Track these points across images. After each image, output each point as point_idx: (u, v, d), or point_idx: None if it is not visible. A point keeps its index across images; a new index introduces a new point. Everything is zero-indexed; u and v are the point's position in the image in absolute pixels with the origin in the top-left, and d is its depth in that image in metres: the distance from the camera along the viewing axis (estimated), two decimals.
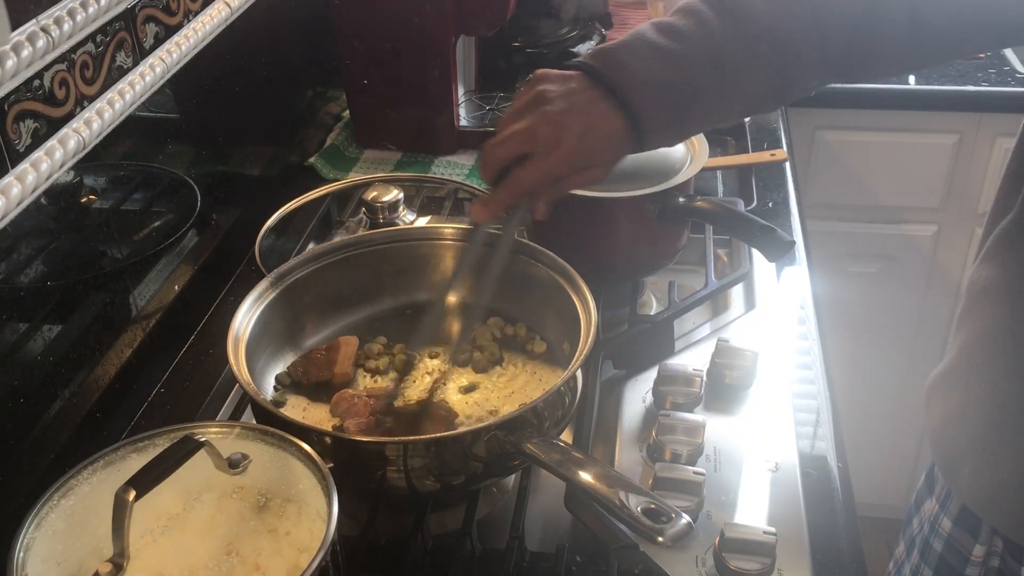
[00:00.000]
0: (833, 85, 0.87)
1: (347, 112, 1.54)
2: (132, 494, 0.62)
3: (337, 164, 1.46)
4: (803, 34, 0.80)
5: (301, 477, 0.72)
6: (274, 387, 0.95)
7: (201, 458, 0.68)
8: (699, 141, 1.09)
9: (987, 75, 1.76)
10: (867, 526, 1.14)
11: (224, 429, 0.76)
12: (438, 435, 0.80)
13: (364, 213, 1.18)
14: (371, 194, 1.17)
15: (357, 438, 0.82)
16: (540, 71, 0.83)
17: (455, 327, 1.03)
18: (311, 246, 1.25)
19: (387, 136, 1.48)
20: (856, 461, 0.95)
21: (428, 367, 0.98)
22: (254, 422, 0.86)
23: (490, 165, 0.82)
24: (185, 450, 0.66)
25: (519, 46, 1.64)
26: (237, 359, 0.86)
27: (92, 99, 0.91)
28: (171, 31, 1.05)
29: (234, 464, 0.70)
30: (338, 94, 1.58)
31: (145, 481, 0.64)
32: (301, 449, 0.73)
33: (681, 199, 1.03)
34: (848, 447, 0.97)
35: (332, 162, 1.46)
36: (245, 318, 0.91)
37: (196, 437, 0.68)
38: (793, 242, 0.98)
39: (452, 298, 1.02)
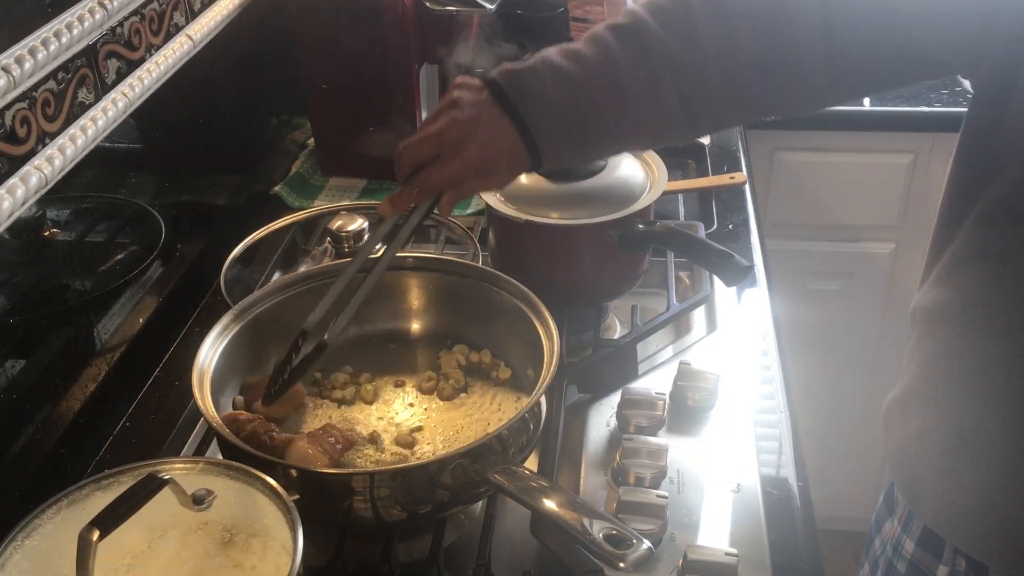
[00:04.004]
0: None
1: (312, 140, 1.55)
2: (96, 534, 0.62)
3: (303, 192, 1.46)
4: (709, 63, 0.83)
5: (266, 511, 0.72)
6: None
7: (165, 495, 0.69)
8: (658, 167, 1.11)
9: (940, 96, 1.81)
10: (834, 539, 1.15)
11: (188, 465, 0.76)
12: (404, 465, 0.81)
13: (329, 242, 1.19)
14: (336, 223, 1.18)
15: (323, 470, 0.83)
16: (460, 77, 0.89)
17: (420, 358, 1.04)
18: (277, 276, 1.26)
19: (352, 164, 1.49)
20: (820, 475, 0.96)
21: (391, 396, 0.99)
22: (220, 455, 0.86)
23: (404, 164, 0.87)
24: (149, 488, 0.66)
25: (482, 74, 1.65)
26: (202, 393, 0.87)
27: (54, 136, 0.91)
28: (133, 65, 1.05)
29: (198, 500, 0.70)
30: (302, 122, 1.59)
31: (109, 520, 0.64)
32: (266, 483, 0.73)
33: (641, 225, 1.05)
34: (812, 462, 0.98)
35: (297, 190, 1.47)
36: (210, 351, 0.92)
37: (160, 475, 0.68)
38: (750, 267, 1.00)
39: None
